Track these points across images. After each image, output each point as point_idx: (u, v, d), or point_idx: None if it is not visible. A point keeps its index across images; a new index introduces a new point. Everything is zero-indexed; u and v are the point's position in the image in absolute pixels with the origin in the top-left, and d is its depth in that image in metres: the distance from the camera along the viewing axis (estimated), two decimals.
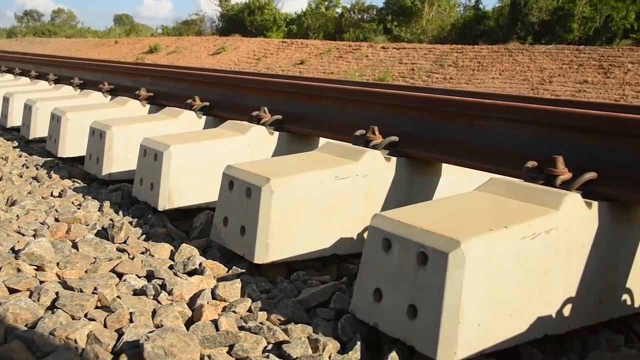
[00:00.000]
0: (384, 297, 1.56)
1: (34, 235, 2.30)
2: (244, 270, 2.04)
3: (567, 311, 1.62)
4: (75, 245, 2.21)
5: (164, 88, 4.05)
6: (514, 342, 1.52)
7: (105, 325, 1.60)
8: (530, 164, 1.84)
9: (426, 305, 1.44)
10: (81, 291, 1.77)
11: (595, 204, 1.67)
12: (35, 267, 1.98)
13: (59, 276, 1.92)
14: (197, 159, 2.62)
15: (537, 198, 1.66)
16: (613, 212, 1.70)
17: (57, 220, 2.48)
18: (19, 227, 2.38)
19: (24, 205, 2.66)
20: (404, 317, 1.49)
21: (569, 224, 1.59)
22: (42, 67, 6.39)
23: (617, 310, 1.74)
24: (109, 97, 4.52)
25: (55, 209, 2.64)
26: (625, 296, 1.76)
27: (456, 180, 2.33)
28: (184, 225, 2.64)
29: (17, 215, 2.55)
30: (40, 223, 2.47)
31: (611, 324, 1.79)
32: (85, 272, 1.98)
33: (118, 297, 1.74)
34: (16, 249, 2.12)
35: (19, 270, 1.91)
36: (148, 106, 3.95)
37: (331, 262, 2.18)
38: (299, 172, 2.07)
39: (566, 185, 1.72)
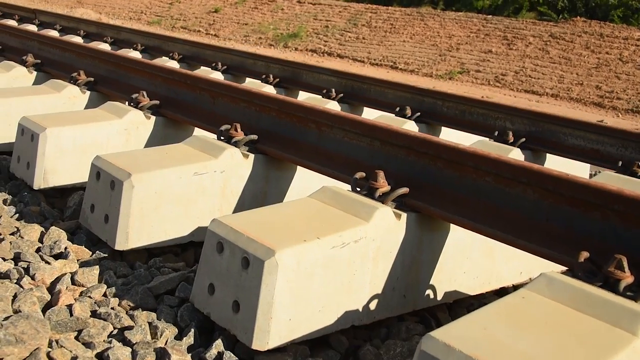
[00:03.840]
0: (216, 292, 1.82)
1: None
2: (106, 255, 2.26)
3: (373, 305, 1.94)
4: None
5: (52, 55, 4.10)
6: (323, 333, 1.82)
7: None
8: (359, 174, 2.13)
9: (246, 302, 1.71)
10: None
11: (404, 215, 1.97)
12: None
13: None
14: (73, 142, 2.77)
15: (355, 209, 1.95)
16: (419, 222, 2.01)
17: None
18: None
19: None
20: (229, 310, 1.76)
21: (377, 234, 1.89)
22: None
23: (420, 303, 2.08)
24: None
25: None
26: (428, 291, 2.09)
27: (309, 176, 2.60)
28: (59, 202, 2.80)
29: None
30: None
31: (418, 313, 2.13)
32: None
33: None
34: None
35: None
36: (35, 73, 3.99)
37: (189, 248, 2.42)
38: (159, 167, 2.28)
39: (384, 197, 2.02)
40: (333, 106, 4.48)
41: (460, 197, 1.98)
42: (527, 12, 22.85)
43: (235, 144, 2.51)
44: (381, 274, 1.93)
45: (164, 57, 6.20)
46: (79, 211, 2.61)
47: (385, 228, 1.92)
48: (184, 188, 2.31)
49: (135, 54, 6.35)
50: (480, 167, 1.93)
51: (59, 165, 2.75)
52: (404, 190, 2.02)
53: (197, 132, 3.06)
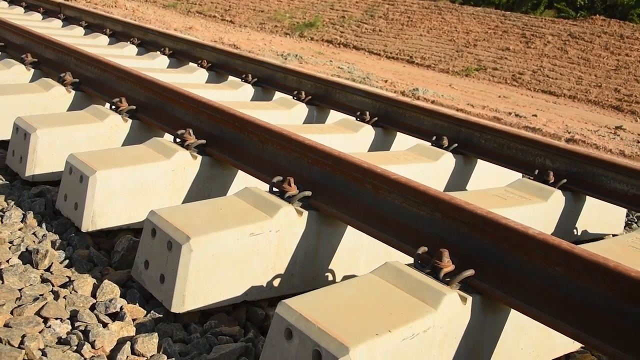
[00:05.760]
0: None
1: None
2: (161, 316, 2.25)
3: None
4: (0, 275, 2.35)
5: (90, 74, 4.07)
6: None
7: None
8: (422, 249, 2.11)
9: None
10: (9, 343, 1.93)
11: (469, 299, 1.96)
12: None
13: None
14: (121, 184, 2.75)
15: (421, 293, 1.93)
16: (483, 305, 1.99)
17: None
18: None
19: None
20: None
21: (445, 321, 1.88)
22: None
23: None
24: (32, 71, 4.48)
25: None
26: None
27: (360, 233, 2.58)
28: (105, 243, 2.79)
29: None
30: None
31: None
32: (12, 313, 2.13)
33: (44, 354, 1.92)
34: None
35: None
36: (73, 93, 3.97)
37: (240, 305, 2.41)
38: (217, 229, 2.26)
39: (448, 277, 2.00)
40: (367, 130, 4.46)
41: (526, 282, 1.96)
42: (546, 10, 22.67)
43: (289, 200, 2.49)
44: (445, 359, 1.92)
45: (191, 64, 6.17)
46: (127, 257, 2.61)
47: (452, 314, 1.90)
48: (240, 249, 2.30)
49: (163, 59, 6.33)
50: (550, 256, 1.91)
51: (107, 208, 2.74)
52: (470, 272, 2.00)
53: (242, 175, 3.05)
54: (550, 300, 1.90)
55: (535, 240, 1.94)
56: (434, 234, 2.22)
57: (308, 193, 2.52)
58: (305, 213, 2.48)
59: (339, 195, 2.52)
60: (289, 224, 2.43)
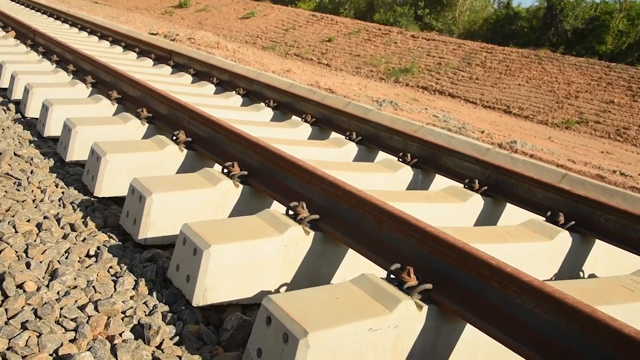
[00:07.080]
0: None
1: (75, 330, 2.43)
2: None
3: None
4: (114, 351, 2.33)
5: (202, 133, 4.12)
6: None
7: None
8: None
9: None
10: None
11: None
12: None
13: None
14: (234, 258, 2.72)
15: None
16: None
17: (96, 309, 2.60)
18: (60, 316, 2.51)
19: (65, 280, 2.78)
20: None
21: None
22: (81, 62, 6.46)
23: None
24: (146, 125, 4.59)
25: (94, 286, 2.77)
26: None
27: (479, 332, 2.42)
28: (213, 317, 2.75)
29: (57, 293, 2.67)
30: (79, 308, 2.58)
31: None
32: None
33: None
34: (60, 354, 2.25)
35: None
36: (185, 152, 4.02)
37: None
38: (335, 323, 2.17)
39: None
40: (476, 200, 4.29)
41: None
42: None
43: (408, 292, 2.37)
44: None
45: (294, 118, 6.21)
46: (236, 336, 2.56)
47: None
48: (357, 345, 2.19)
49: (267, 112, 6.39)
50: None
51: (218, 283, 2.70)
52: None
53: (352, 253, 2.96)
54: None
55: None
56: (570, 347, 2.04)
57: (429, 286, 2.39)
58: (425, 307, 2.35)
59: (462, 290, 2.38)
60: (409, 319, 2.31)
